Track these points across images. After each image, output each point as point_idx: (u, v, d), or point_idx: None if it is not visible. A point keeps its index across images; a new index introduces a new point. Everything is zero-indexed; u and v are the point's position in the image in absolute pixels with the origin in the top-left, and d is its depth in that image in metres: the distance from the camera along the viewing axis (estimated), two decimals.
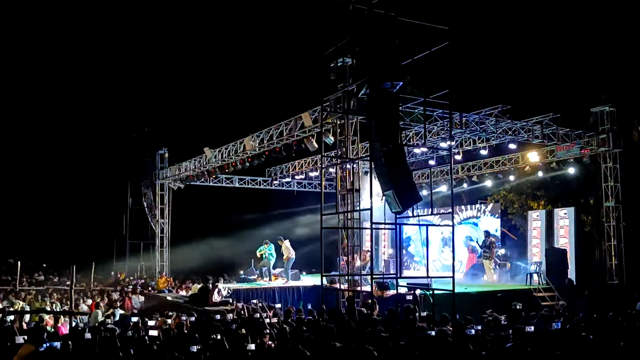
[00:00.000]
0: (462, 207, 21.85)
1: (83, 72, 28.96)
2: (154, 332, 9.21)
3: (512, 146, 17.64)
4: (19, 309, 14.72)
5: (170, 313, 11.92)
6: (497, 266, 18.70)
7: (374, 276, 12.05)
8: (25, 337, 8.02)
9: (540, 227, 19.66)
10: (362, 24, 11.55)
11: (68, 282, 16.28)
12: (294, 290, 16.83)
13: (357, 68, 12.47)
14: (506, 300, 13.87)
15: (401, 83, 11.33)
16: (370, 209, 11.14)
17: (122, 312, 15.84)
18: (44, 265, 26.70)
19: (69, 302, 15.20)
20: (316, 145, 15.33)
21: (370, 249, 14.60)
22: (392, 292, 13.78)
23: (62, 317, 14.38)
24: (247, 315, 11.12)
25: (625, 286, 17.03)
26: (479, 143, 17.50)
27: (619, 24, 20.33)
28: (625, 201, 17.55)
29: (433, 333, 7.76)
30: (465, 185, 21.98)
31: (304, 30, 21.36)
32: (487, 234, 18.89)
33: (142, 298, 18.11)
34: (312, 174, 23.40)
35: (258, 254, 18.49)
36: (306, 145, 15.68)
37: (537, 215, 20.12)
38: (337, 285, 13.95)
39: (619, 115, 17.37)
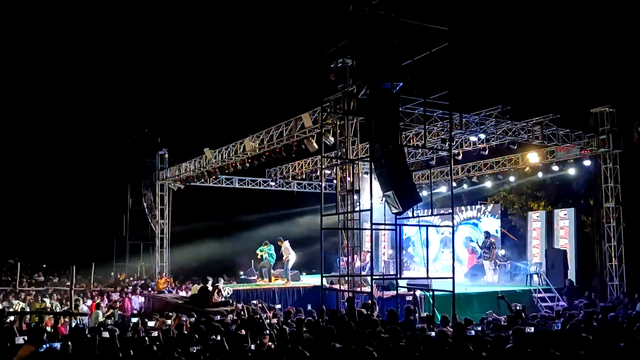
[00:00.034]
0: (462, 207, 21.85)
1: (83, 74, 28.98)
2: (153, 333, 9.21)
3: (512, 147, 17.66)
4: (19, 310, 14.72)
5: (170, 314, 11.92)
6: (497, 267, 18.70)
7: (374, 277, 12.04)
8: (25, 338, 8.02)
9: (540, 227, 19.66)
10: (362, 25, 11.56)
11: (68, 283, 16.27)
12: (294, 291, 16.83)
13: (357, 69, 12.46)
14: (506, 301, 13.87)
15: (401, 84, 11.34)
16: (370, 210, 11.13)
17: (120, 312, 15.87)
18: (44, 265, 26.72)
19: (68, 303, 15.20)
20: (316, 146, 15.32)
21: (370, 250, 14.59)
22: (392, 292, 13.77)
23: (62, 317, 14.38)
24: (247, 316, 11.10)
25: (625, 287, 17.03)
26: (479, 144, 17.50)
27: (619, 24, 20.33)
28: (625, 202, 17.54)
29: (433, 334, 7.76)
30: (465, 186, 21.99)
31: (304, 31, 21.37)
32: (487, 234, 18.89)
33: (142, 299, 18.12)
34: (312, 175, 23.40)
35: (258, 255, 18.49)
36: (306, 146, 15.67)
37: (537, 216, 20.12)
38: (337, 286, 13.94)
39: (619, 116, 17.37)
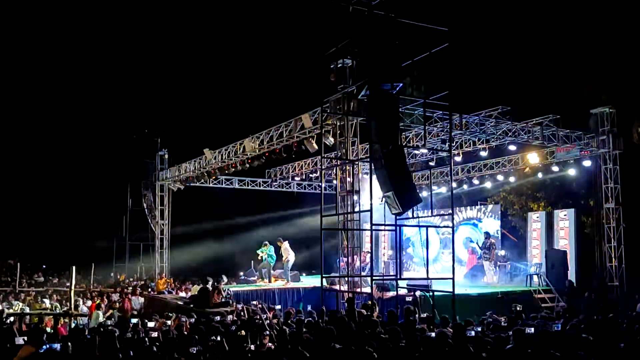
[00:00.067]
0: (462, 208, 21.84)
1: (83, 75, 29.01)
2: (153, 334, 9.21)
3: (512, 147, 17.66)
4: (19, 310, 14.72)
5: (170, 314, 11.92)
6: (497, 267, 18.69)
7: (373, 277, 12.04)
8: (25, 339, 8.02)
9: (540, 228, 19.65)
10: (362, 26, 11.56)
11: (68, 284, 16.28)
12: (294, 292, 16.84)
13: (357, 69, 12.45)
14: (506, 302, 13.88)
15: (401, 84, 11.34)
16: (370, 210, 11.13)
17: (119, 314, 15.86)
18: (44, 266, 26.74)
19: (68, 304, 15.20)
20: (316, 147, 15.32)
21: (370, 251, 14.58)
22: (392, 293, 13.76)
23: (61, 318, 14.38)
24: (246, 316, 11.10)
25: (625, 288, 17.02)
26: (479, 144, 17.50)
27: (619, 24, 20.33)
28: (625, 203, 17.54)
29: (433, 334, 7.75)
30: (465, 186, 22.00)
31: (304, 32, 21.38)
32: (487, 235, 18.88)
33: (141, 299, 18.11)
34: (312, 176, 23.39)
35: (258, 256, 18.50)
36: (306, 147, 15.67)
37: (537, 217, 20.11)
38: (337, 287, 13.93)
39: (619, 117, 17.37)
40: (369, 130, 11.41)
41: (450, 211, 12.32)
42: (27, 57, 28.58)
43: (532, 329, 7.99)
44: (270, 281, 18.11)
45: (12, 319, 12.83)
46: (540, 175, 19.98)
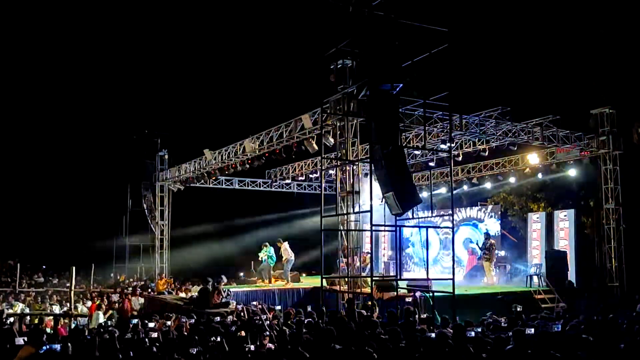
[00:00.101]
0: (462, 209, 21.84)
1: (83, 75, 29.01)
2: (153, 334, 9.20)
3: (512, 148, 17.65)
4: (19, 311, 14.73)
5: (170, 315, 11.91)
6: (497, 268, 18.69)
7: (373, 278, 12.04)
8: (25, 339, 8.02)
9: (540, 229, 19.64)
10: (362, 26, 11.56)
11: (68, 284, 16.28)
12: (294, 292, 16.83)
13: (357, 70, 12.46)
14: (506, 302, 13.85)
15: (401, 85, 11.33)
16: (370, 211, 11.13)
17: (119, 315, 15.85)
18: (44, 267, 26.73)
19: (68, 304, 15.20)
20: (316, 147, 15.32)
21: (370, 251, 14.58)
22: (392, 294, 13.75)
23: (61, 318, 14.39)
24: (246, 317, 11.09)
25: (625, 288, 17.01)
26: (479, 145, 17.50)
27: (619, 25, 20.33)
28: (625, 203, 17.54)
29: (433, 335, 7.74)
30: (465, 187, 22.00)
31: (304, 32, 21.37)
32: (487, 235, 18.87)
33: (141, 300, 18.11)
34: (312, 176, 23.40)
35: (260, 258, 18.49)
36: (306, 147, 15.67)
37: (537, 217, 20.10)
38: (337, 287, 13.93)
39: (619, 117, 17.37)
40: (369, 131, 11.41)
41: (450, 211, 12.32)
42: (27, 58, 28.61)
43: (532, 330, 7.98)
44: (270, 282, 18.12)
45: (12, 319, 12.83)
46: (540, 175, 19.97)
